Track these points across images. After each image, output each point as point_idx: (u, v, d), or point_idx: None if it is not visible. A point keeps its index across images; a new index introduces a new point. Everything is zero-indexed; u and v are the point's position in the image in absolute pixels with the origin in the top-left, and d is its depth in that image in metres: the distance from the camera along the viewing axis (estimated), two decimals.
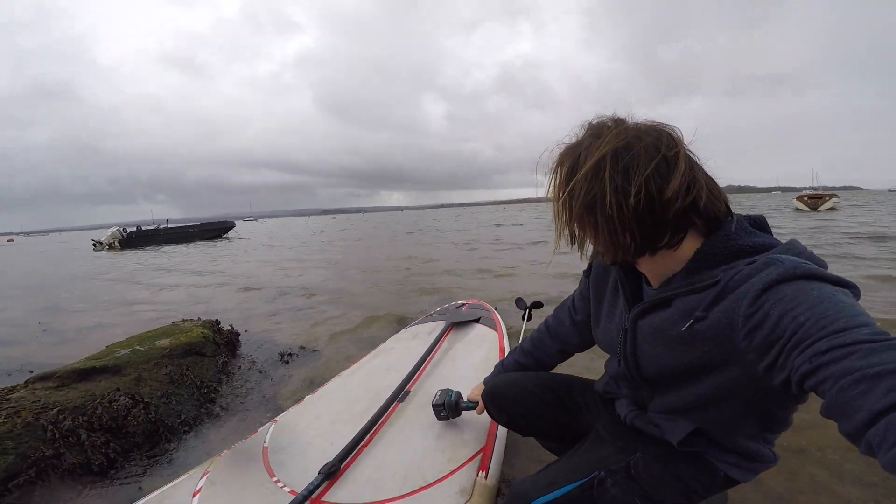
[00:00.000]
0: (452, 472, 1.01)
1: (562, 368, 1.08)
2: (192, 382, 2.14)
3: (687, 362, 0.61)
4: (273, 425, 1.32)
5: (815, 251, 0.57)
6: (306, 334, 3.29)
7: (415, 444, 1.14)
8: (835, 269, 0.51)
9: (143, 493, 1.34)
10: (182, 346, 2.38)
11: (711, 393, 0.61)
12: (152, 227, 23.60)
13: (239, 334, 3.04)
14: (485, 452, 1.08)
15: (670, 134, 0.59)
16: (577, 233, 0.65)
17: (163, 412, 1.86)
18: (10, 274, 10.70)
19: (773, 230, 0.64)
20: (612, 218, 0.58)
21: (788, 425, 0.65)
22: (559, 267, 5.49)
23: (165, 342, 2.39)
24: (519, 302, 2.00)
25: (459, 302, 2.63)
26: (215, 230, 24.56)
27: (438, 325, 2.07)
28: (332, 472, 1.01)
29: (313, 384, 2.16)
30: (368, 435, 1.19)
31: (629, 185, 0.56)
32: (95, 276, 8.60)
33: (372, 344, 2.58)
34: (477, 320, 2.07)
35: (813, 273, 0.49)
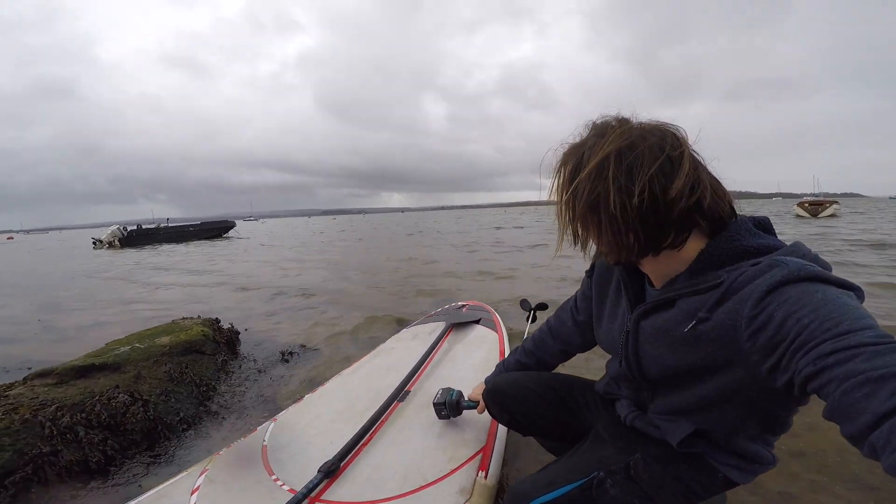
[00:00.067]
0: (452, 472, 1.01)
1: (561, 368, 1.08)
2: (192, 380, 2.14)
3: (690, 363, 0.61)
4: (272, 424, 1.32)
5: None
6: (306, 334, 3.29)
7: (415, 444, 1.14)
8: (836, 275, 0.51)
9: (141, 490, 1.34)
10: (182, 344, 2.38)
11: (714, 394, 0.61)
12: (152, 225, 23.60)
13: (239, 333, 3.04)
14: (485, 452, 1.08)
15: (675, 134, 0.59)
16: (580, 232, 0.65)
17: (162, 410, 1.86)
18: (9, 272, 10.69)
19: None
20: (616, 217, 0.58)
21: (789, 427, 0.65)
22: (560, 271, 5.49)
23: (165, 340, 2.39)
24: (524, 303, 1.99)
25: (460, 303, 2.63)
26: (215, 230, 24.56)
27: (439, 326, 2.07)
28: (331, 471, 1.01)
29: (313, 383, 2.16)
30: (368, 434, 1.18)
31: (633, 184, 0.56)
32: (94, 275, 8.59)
33: (371, 344, 2.58)
34: (477, 321, 2.07)
35: (817, 275, 0.49)
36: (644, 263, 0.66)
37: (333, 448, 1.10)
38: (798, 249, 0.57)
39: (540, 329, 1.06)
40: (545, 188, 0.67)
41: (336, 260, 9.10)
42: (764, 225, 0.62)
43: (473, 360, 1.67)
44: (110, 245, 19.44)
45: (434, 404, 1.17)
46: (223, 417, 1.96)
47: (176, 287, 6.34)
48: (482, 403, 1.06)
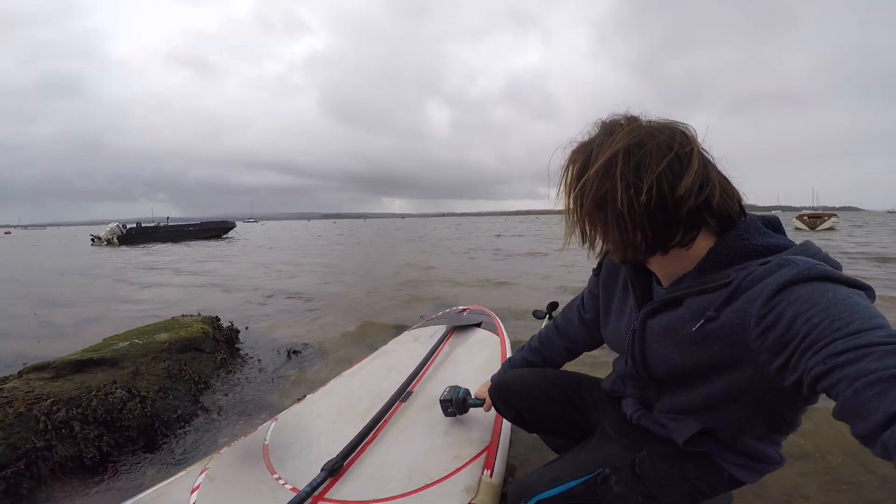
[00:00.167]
0: (457, 470, 1.01)
1: (567, 366, 1.07)
2: (190, 378, 2.12)
3: (697, 362, 0.60)
4: (274, 423, 1.31)
5: None
6: (306, 335, 3.27)
7: (419, 442, 1.13)
8: None
9: (141, 488, 1.32)
10: (181, 341, 2.36)
11: (721, 393, 0.60)
12: (152, 224, 23.55)
13: (238, 331, 3.03)
14: (490, 451, 1.07)
15: (684, 132, 0.59)
16: (587, 230, 0.65)
17: (159, 407, 1.84)
18: (4, 266, 10.63)
19: None
20: (623, 215, 0.57)
21: (796, 427, 0.65)
22: (558, 280, 5.49)
23: (164, 336, 2.37)
24: (537, 313, 1.96)
25: (461, 307, 2.63)
26: (215, 230, 24.51)
27: (440, 329, 2.06)
28: (335, 470, 1.00)
29: (314, 384, 2.15)
30: (372, 433, 1.18)
31: (641, 181, 0.56)
32: (87, 272, 8.55)
33: (371, 347, 2.57)
34: (478, 325, 2.06)
35: (827, 274, 0.49)
36: (652, 262, 0.66)
37: (336, 447, 1.10)
38: (808, 248, 0.56)
39: (546, 327, 1.06)
40: (548, 197, 0.67)
41: (335, 264, 9.08)
42: (773, 224, 0.62)
43: (475, 362, 1.67)
44: (109, 242, 19.37)
45: (441, 401, 1.17)
46: (222, 416, 1.94)
47: (176, 287, 6.32)
48: (488, 401, 1.06)
